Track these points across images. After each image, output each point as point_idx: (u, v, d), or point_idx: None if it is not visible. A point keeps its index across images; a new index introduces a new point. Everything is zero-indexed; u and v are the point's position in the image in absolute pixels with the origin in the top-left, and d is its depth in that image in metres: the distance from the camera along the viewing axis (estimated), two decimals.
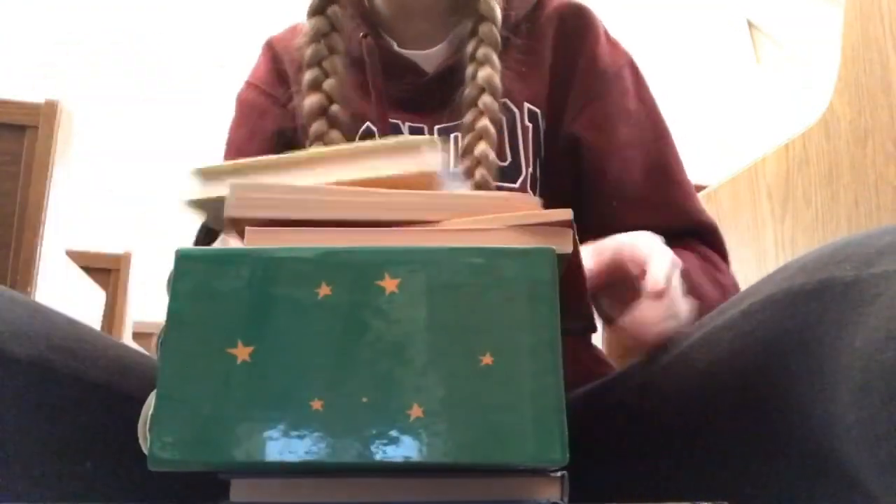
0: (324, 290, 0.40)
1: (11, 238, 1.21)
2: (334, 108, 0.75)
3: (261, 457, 0.38)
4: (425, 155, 0.47)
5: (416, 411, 0.38)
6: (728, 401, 0.49)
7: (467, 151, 0.73)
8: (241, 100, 0.87)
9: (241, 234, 0.43)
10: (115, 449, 0.55)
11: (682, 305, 0.56)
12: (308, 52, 0.77)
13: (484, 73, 0.74)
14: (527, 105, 0.79)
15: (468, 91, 0.75)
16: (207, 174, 0.49)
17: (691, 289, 0.66)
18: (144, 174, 3.24)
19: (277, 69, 0.85)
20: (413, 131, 0.79)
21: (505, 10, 0.79)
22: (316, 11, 0.78)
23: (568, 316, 0.41)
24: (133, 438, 0.43)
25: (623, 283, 0.57)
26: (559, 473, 0.42)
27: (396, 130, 0.79)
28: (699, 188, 1.21)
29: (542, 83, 0.80)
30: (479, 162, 0.72)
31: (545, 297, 0.40)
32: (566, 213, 0.44)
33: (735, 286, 0.75)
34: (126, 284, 2.05)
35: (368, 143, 0.55)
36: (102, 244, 2.10)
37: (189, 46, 3.40)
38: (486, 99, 0.73)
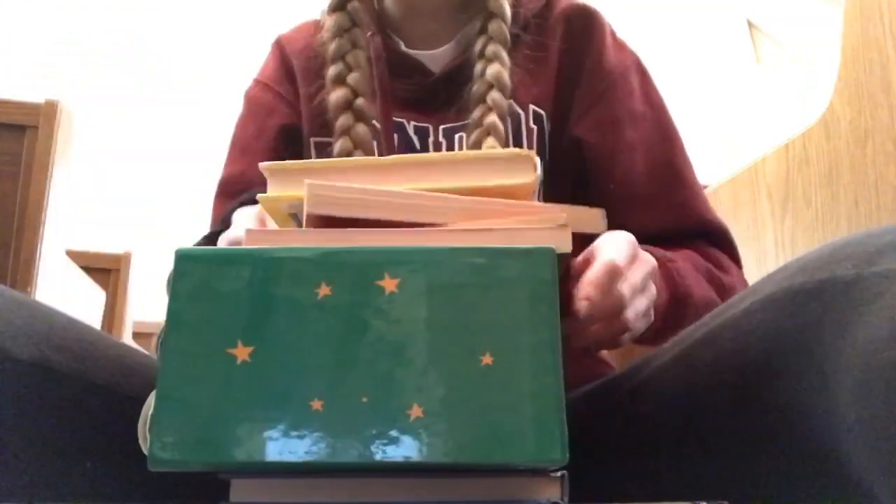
0: (324, 291, 0.40)
1: (11, 238, 1.21)
2: (359, 101, 0.76)
3: (261, 457, 0.38)
4: (532, 166, 0.47)
5: (416, 411, 0.38)
6: (728, 400, 0.49)
7: (475, 147, 0.73)
8: (248, 97, 0.87)
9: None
10: (116, 449, 0.55)
11: (640, 301, 0.55)
12: (332, 47, 0.78)
13: (493, 69, 0.74)
14: (532, 107, 0.79)
15: (476, 87, 0.75)
16: (274, 171, 0.49)
17: (675, 285, 0.66)
18: (144, 174, 3.24)
19: (286, 67, 0.86)
20: (418, 130, 0.80)
21: (514, 9, 0.80)
22: (337, 7, 0.79)
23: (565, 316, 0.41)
24: (133, 438, 0.43)
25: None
26: (559, 473, 0.42)
27: (401, 129, 0.80)
28: None
29: (548, 84, 0.80)
30: None
31: (545, 297, 0.40)
32: (560, 217, 0.44)
33: (742, 286, 0.75)
34: (126, 284, 2.05)
35: (469, 152, 0.55)
36: (102, 244, 2.10)
37: (189, 46, 3.40)
38: (494, 95, 0.73)
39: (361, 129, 0.75)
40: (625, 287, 0.52)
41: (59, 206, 1.28)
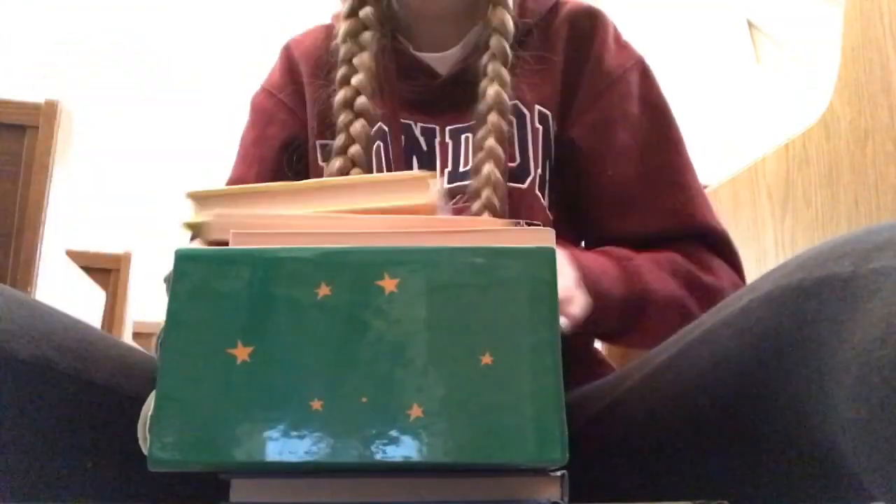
0: (323, 291, 0.40)
1: (11, 238, 1.21)
2: (360, 99, 0.77)
3: (261, 457, 0.38)
4: (427, 187, 0.48)
5: (416, 411, 0.38)
6: (728, 398, 0.49)
7: (475, 172, 0.74)
8: (253, 104, 0.89)
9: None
10: (116, 449, 0.55)
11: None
12: (341, 50, 0.80)
13: (493, 90, 0.74)
14: (537, 107, 0.79)
15: (480, 107, 0.75)
16: (198, 198, 0.50)
17: (630, 284, 0.69)
18: (144, 174, 3.24)
19: (292, 72, 0.87)
20: (425, 132, 0.80)
21: (520, 13, 0.80)
22: (349, 14, 0.81)
23: None
24: (133, 438, 0.43)
25: None
26: (559, 473, 0.42)
27: (408, 130, 0.80)
28: None
29: (553, 86, 0.80)
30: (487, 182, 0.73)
31: (545, 297, 0.40)
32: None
33: (732, 288, 0.74)
34: (126, 284, 2.05)
35: (371, 175, 0.55)
36: (102, 244, 2.10)
37: (189, 46, 3.40)
38: (492, 118, 0.74)
39: (359, 124, 0.76)
40: None
41: (59, 206, 1.28)
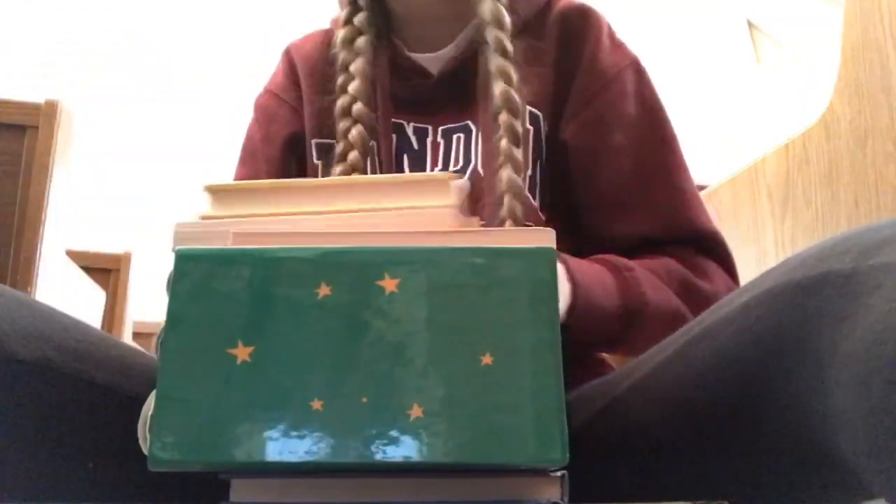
0: (324, 291, 0.40)
1: (11, 238, 1.21)
2: (357, 106, 0.78)
3: (261, 457, 0.38)
4: (448, 188, 0.47)
5: (416, 411, 0.38)
6: (727, 396, 0.49)
7: (495, 178, 0.74)
8: (257, 105, 0.90)
9: None
10: (117, 449, 0.55)
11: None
12: (339, 58, 0.81)
13: (500, 88, 0.74)
14: (528, 108, 0.79)
15: (490, 107, 0.75)
16: (216, 192, 0.50)
17: (629, 294, 0.69)
18: (144, 174, 3.24)
19: (293, 75, 0.88)
20: (417, 131, 0.81)
21: (511, 12, 0.80)
22: (346, 22, 0.82)
23: None
24: (133, 438, 0.43)
25: None
26: (559, 473, 0.42)
27: (400, 130, 0.81)
28: (699, 188, 1.21)
29: (545, 85, 0.79)
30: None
31: (545, 297, 0.40)
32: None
33: (726, 292, 0.74)
34: (126, 284, 2.05)
35: (393, 175, 0.56)
36: (102, 244, 2.10)
37: (189, 46, 3.40)
38: (504, 118, 0.74)
39: (356, 131, 0.77)
40: None
41: (59, 206, 1.28)
